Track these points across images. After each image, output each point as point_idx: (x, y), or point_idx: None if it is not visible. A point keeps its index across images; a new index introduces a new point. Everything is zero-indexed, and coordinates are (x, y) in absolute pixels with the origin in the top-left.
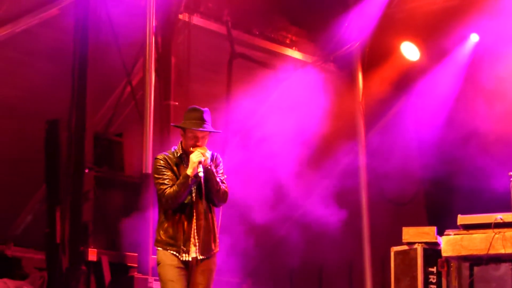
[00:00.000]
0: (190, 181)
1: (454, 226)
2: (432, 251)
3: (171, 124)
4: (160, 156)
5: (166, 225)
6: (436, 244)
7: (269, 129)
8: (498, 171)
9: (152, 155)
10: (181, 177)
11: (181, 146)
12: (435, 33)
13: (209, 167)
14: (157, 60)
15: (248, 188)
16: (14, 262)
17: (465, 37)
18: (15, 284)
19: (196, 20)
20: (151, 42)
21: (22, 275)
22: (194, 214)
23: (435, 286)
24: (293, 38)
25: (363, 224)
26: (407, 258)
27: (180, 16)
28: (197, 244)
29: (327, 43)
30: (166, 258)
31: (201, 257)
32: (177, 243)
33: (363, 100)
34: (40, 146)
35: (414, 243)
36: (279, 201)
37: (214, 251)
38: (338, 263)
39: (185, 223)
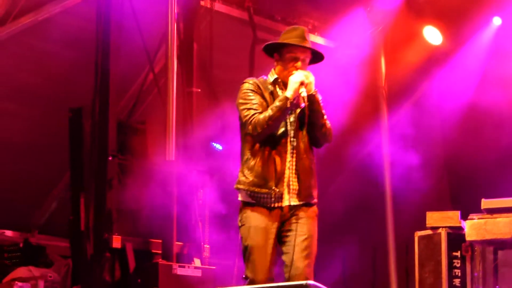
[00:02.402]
0: (289, 104)
1: (478, 210)
2: (456, 236)
3: (266, 43)
4: (249, 80)
5: (252, 162)
6: (460, 228)
7: None
8: None
9: (175, 142)
10: (277, 100)
11: (274, 73)
12: (458, 17)
13: (315, 94)
14: (179, 47)
15: None
16: (38, 250)
17: (488, 21)
18: (40, 271)
19: (218, 6)
20: (173, 29)
21: (47, 263)
22: (290, 150)
23: (459, 271)
24: (315, 24)
25: (387, 209)
26: (431, 243)
27: (202, 3)
28: (294, 187)
29: (349, 28)
30: (252, 217)
31: (299, 203)
32: (268, 183)
33: (386, 85)
34: (64, 134)
35: (438, 227)
36: None
37: (315, 200)
38: (361, 248)
39: (278, 160)
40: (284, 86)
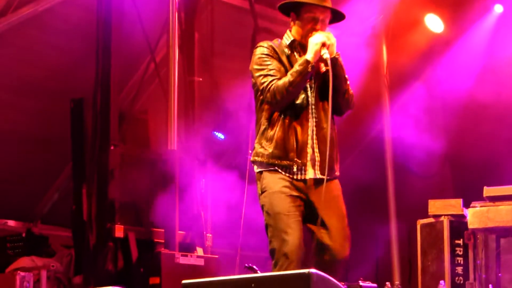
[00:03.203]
0: (310, 68)
1: (480, 198)
2: (458, 224)
3: (283, 2)
4: (264, 43)
5: (271, 132)
6: (463, 216)
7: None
8: None
9: (177, 132)
10: (296, 64)
11: (290, 35)
12: (459, 4)
13: (337, 57)
14: (181, 37)
15: None
16: (41, 240)
17: (489, 9)
18: (42, 261)
19: None
20: (174, 18)
21: (50, 253)
22: (311, 119)
23: (461, 259)
24: None
25: (389, 197)
26: (433, 231)
27: None
28: (317, 158)
29: (350, 17)
30: (274, 182)
31: (322, 176)
32: (289, 155)
33: (387, 73)
34: (65, 125)
35: (440, 215)
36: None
37: (337, 173)
38: (363, 236)
39: (299, 130)
40: (302, 49)
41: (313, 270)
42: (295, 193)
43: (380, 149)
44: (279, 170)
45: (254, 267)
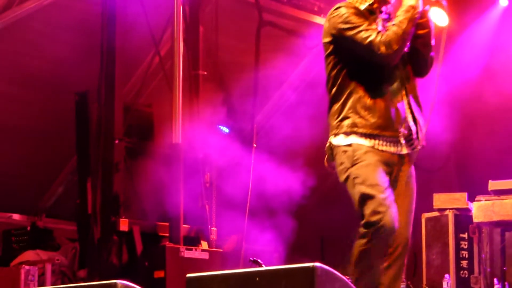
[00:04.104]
0: (417, 14)
1: (485, 192)
2: (463, 217)
3: None
4: (342, 4)
5: (368, 100)
6: (467, 210)
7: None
8: None
9: (181, 125)
10: (401, 11)
11: None
12: None
13: (428, 9)
14: (185, 30)
15: (285, 158)
16: (46, 233)
17: (494, 2)
18: (47, 255)
19: None
20: (179, 11)
21: (54, 246)
22: (404, 85)
23: (466, 252)
24: (321, 5)
25: None
26: (438, 225)
27: None
28: (414, 130)
29: None
30: (369, 154)
31: (417, 148)
32: (394, 125)
33: None
34: (70, 118)
35: (445, 209)
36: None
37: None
38: None
39: (398, 97)
40: (379, 11)
41: (317, 264)
42: (386, 168)
43: None
44: (379, 142)
45: (259, 260)
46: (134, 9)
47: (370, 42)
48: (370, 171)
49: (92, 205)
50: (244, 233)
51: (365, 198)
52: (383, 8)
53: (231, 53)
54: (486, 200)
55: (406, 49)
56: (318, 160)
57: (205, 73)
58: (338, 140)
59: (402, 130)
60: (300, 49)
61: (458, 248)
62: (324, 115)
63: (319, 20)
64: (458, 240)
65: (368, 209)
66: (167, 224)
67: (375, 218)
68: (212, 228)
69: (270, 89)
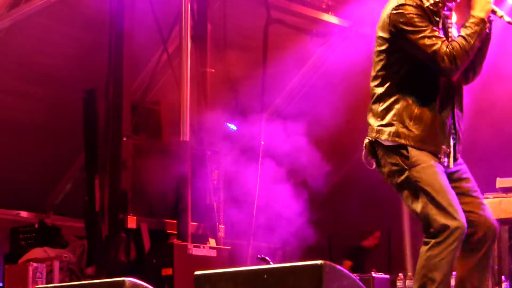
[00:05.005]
0: (487, 29)
1: (493, 189)
2: None
3: None
4: (408, 1)
5: (416, 109)
6: None
7: (309, 96)
8: None
9: (189, 123)
10: (470, 23)
11: None
12: None
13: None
14: (193, 28)
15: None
16: (54, 231)
17: (502, 0)
18: (55, 252)
19: None
20: (187, 9)
21: (62, 244)
22: (453, 99)
23: None
24: (329, 3)
25: None
26: None
27: None
28: (455, 148)
29: (363, 7)
30: (425, 157)
31: (449, 167)
32: (437, 141)
33: None
34: (78, 115)
35: None
36: (318, 168)
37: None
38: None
39: (447, 111)
40: (444, 7)
41: (325, 261)
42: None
43: None
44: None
45: (267, 258)
46: (142, 6)
47: (434, 52)
48: (428, 173)
49: (100, 202)
50: (252, 230)
51: (433, 203)
52: (449, 4)
53: (239, 50)
54: (494, 197)
55: None
56: (324, 158)
57: (213, 70)
58: (383, 138)
59: (444, 147)
60: (308, 46)
61: None
62: (331, 115)
63: (327, 17)
64: None
65: (437, 214)
66: (175, 221)
67: (441, 219)
68: (220, 226)
69: (278, 87)
